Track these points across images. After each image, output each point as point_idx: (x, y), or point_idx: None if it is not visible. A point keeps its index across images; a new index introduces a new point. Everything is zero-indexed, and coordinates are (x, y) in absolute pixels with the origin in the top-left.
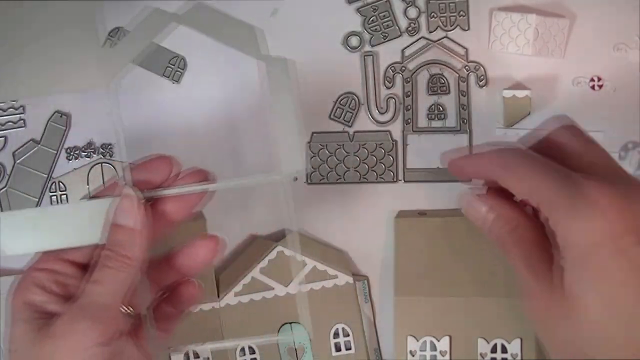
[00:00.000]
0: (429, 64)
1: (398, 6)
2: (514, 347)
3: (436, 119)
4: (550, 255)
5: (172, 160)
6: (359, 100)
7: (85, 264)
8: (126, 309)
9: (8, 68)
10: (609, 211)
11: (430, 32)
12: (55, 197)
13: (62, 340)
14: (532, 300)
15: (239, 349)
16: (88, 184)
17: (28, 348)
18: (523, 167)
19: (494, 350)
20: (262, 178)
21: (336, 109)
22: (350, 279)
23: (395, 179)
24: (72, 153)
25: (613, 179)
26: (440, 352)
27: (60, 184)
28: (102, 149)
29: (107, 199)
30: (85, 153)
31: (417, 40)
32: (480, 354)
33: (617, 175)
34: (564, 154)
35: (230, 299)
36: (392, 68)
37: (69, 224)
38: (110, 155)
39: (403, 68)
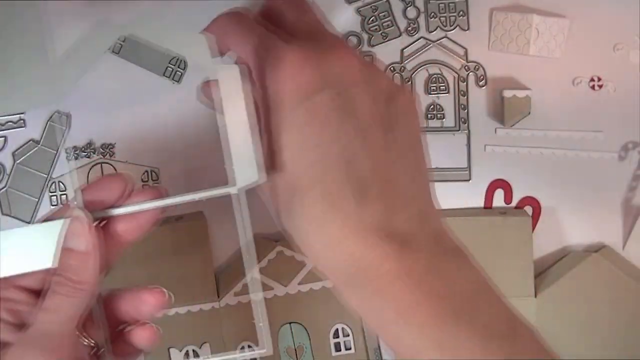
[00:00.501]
0: (428, 63)
1: (397, 6)
2: None
3: (435, 118)
4: None
5: (125, 178)
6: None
7: (38, 289)
8: (85, 337)
9: None
10: (299, 73)
11: (430, 32)
12: (55, 197)
13: None
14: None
15: (238, 349)
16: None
17: None
18: (235, 34)
19: None
20: (215, 192)
21: None
22: None
23: None
24: (72, 153)
25: (314, 43)
26: None
27: (60, 183)
28: (102, 149)
29: (59, 221)
30: (85, 153)
31: (417, 40)
32: None
33: (319, 40)
34: (280, 20)
35: (230, 299)
36: (392, 68)
37: (20, 248)
38: (110, 156)
39: (402, 68)
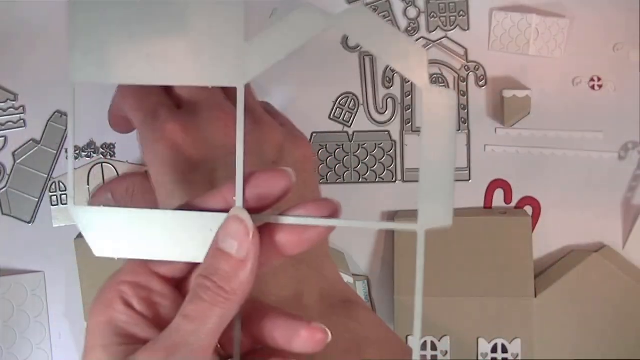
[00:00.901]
0: (428, 63)
1: (398, 6)
2: (514, 347)
3: None
4: None
5: (290, 175)
6: (358, 100)
7: (177, 280)
8: (220, 348)
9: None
10: (174, 148)
11: (430, 32)
12: (55, 197)
13: None
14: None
15: None
16: (88, 184)
17: None
18: (133, 97)
19: (494, 350)
20: (397, 226)
21: (335, 109)
22: (350, 279)
23: (394, 179)
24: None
25: (198, 114)
26: (440, 352)
27: (61, 183)
28: (103, 149)
29: (221, 215)
30: (86, 153)
31: (417, 40)
32: (481, 354)
33: (203, 111)
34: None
35: None
36: (392, 68)
37: (174, 233)
38: (111, 155)
39: None
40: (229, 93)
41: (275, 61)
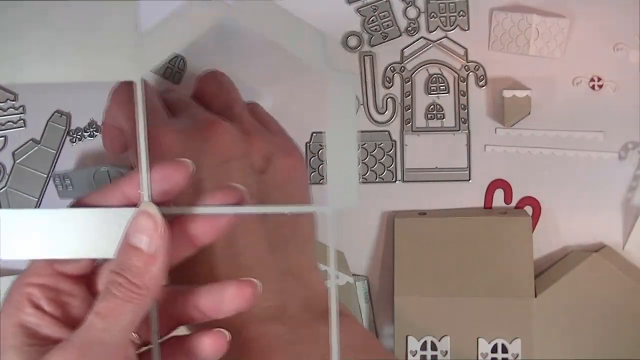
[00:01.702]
0: (428, 63)
1: (398, 6)
2: (514, 347)
3: (435, 118)
4: None
5: (189, 167)
6: (358, 100)
7: (83, 277)
8: (134, 335)
9: (40, 48)
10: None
11: (430, 32)
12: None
13: None
14: None
15: None
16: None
17: None
18: (129, 103)
19: (494, 350)
20: (306, 209)
21: None
22: (350, 279)
23: (394, 179)
24: (75, 135)
25: (191, 121)
26: (440, 352)
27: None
28: None
29: (130, 210)
30: (88, 133)
31: (417, 40)
32: (481, 354)
33: (196, 118)
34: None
35: None
36: (392, 68)
37: (82, 231)
38: None
39: (402, 68)
40: (211, 105)
41: (172, 53)
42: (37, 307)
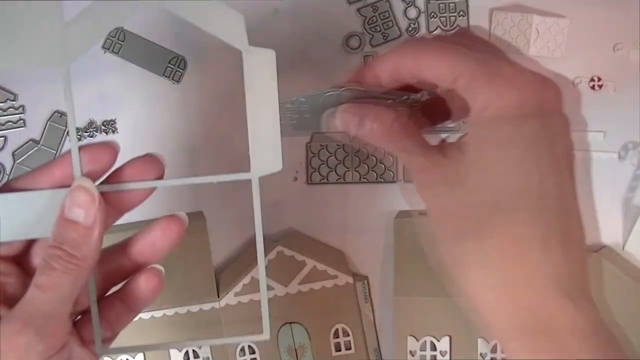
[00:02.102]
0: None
1: (398, 6)
2: None
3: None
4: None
5: (116, 148)
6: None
7: (15, 257)
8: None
9: None
10: (521, 89)
11: (430, 32)
12: None
13: (4, 356)
14: (423, 174)
15: (238, 349)
16: None
17: None
18: (438, 51)
19: (494, 350)
20: (232, 177)
21: None
22: (350, 279)
23: (395, 179)
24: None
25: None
26: (440, 352)
27: None
28: (104, 126)
29: (63, 190)
30: (88, 133)
31: None
32: (480, 354)
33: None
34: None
35: (230, 299)
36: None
37: (18, 214)
38: (113, 132)
39: None
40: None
41: (97, 41)
42: None
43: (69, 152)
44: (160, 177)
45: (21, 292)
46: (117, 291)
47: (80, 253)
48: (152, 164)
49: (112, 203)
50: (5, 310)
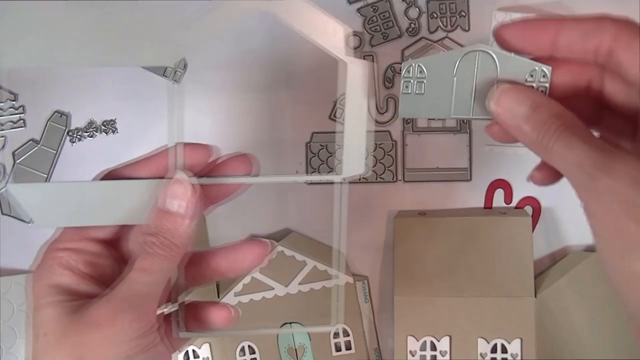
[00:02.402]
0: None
1: (399, 7)
2: (514, 347)
3: (436, 118)
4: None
5: (210, 149)
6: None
7: (108, 240)
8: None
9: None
10: None
11: (431, 32)
12: None
13: (103, 330)
14: (612, 177)
15: (238, 349)
16: None
17: (62, 333)
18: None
19: (494, 350)
20: (318, 177)
21: (336, 109)
22: (350, 279)
23: (395, 179)
24: (74, 135)
25: None
26: (440, 352)
27: None
28: (104, 126)
29: (159, 180)
30: (88, 133)
31: (418, 40)
32: (480, 354)
33: None
34: None
35: (230, 299)
36: (392, 68)
37: (115, 200)
38: (113, 132)
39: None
40: None
41: (207, 43)
42: (69, 268)
43: (166, 147)
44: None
45: (112, 272)
46: (196, 307)
47: (177, 241)
48: (244, 162)
49: (206, 195)
50: (97, 288)
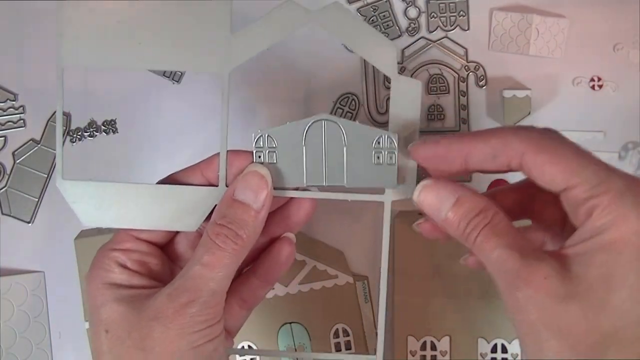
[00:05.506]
0: (428, 64)
1: (398, 6)
2: (514, 347)
3: (435, 119)
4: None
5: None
6: (358, 100)
7: (160, 245)
8: None
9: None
10: None
11: (430, 32)
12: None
13: (169, 323)
14: (532, 288)
15: (238, 347)
16: None
17: (126, 329)
18: (566, 149)
19: (494, 350)
20: (366, 197)
21: (336, 109)
22: (350, 279)
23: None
24: (75, 135)
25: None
26: (440, 352)
27: None
28: (105, 126)
29: (215, 189)
30: (88, 133)
31: (417, 40)
32: (480, 354)
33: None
34: None
35: None
36: None
37: (170, 205)
38: (114, 132)
39: (403, 68)
40: None
41: (258, 51)
42: (123, 267)
43: (216, 155)
44: None
45: (163, 271)
46: (251, 268)
47: (246, 234)
48: (310, 205)
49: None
50: (148, 280)
